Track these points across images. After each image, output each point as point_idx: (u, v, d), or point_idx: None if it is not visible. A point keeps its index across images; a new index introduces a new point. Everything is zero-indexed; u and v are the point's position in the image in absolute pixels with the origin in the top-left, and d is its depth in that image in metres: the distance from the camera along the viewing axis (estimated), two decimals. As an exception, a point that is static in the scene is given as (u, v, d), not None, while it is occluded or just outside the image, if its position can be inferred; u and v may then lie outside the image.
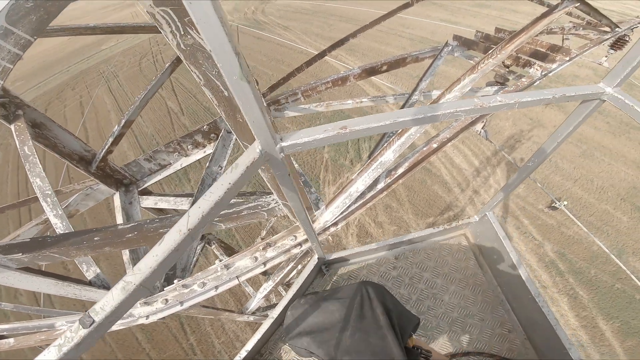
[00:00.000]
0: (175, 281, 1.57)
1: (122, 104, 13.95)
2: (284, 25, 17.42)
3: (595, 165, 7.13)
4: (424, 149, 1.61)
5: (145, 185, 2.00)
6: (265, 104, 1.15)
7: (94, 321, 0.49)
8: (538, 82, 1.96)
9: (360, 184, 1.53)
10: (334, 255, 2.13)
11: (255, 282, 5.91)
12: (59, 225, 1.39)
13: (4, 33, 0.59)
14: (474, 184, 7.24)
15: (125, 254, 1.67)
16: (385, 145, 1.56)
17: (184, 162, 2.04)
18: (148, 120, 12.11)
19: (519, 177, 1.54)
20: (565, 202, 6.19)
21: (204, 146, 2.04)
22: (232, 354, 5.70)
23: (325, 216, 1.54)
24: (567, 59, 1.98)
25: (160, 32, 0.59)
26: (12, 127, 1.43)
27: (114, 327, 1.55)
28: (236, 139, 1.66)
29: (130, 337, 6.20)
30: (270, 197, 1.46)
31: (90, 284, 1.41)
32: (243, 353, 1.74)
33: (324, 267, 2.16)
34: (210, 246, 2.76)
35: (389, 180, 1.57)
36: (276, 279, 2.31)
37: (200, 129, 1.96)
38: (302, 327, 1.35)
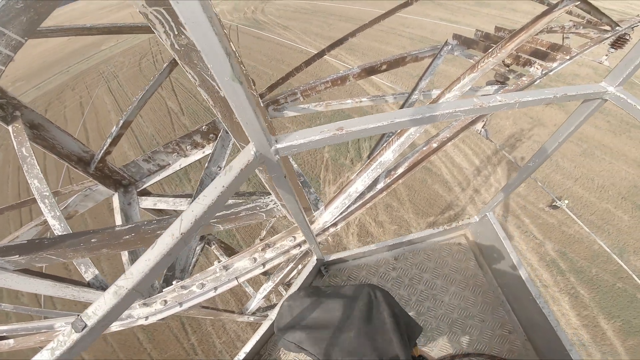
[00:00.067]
0: (174, 282, 1.56)
1: (122, 104, 13.97)
2: (283, 24, 17.41)
3: (596, 164, 7.11)
4: (424, 148, 1.60)
5: (145, 186, 1.99)
6: (262, 105, 1.14)
7: (86, 325, 0.48)
8: (538, 80, 1.94)
9: (359, 184, 1.52)
10: (333, 256, 2.12)
11: (256, 282, 5.91)
12: (57, 227, 1.38)
13: (-4, 34, 0.59)
14: (474, 183, 7.23)
15: (125, 255, 1.66)
16: (384, 145, 1.55)
17: (183, 162, 2.04)
18: (148, 120, 12.11)
19: (520, 177, 1.52)
20: (566, 201, 6.18)
21: (203, 146, 2.03)
22: (233, 354, 5.70)
23: (324, 217, 1.53)
24: (568, 57, 1.97)
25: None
26: (9, 128, 1.43)
27: (114, 328, 1.54)
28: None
29: (131, 337, 6.22)
30: (269, 197, 1.46)
31: (88, 285, 1.41)
32: (242, 355, 1.73)
33: (323, 268, 2.16)
34: (210, 246, 2.75)
35: (389, 181, 1.56)
36: (276, 279, 2.31)
37: (199, 129, 1.96)
38: (298, 321, 1.29)
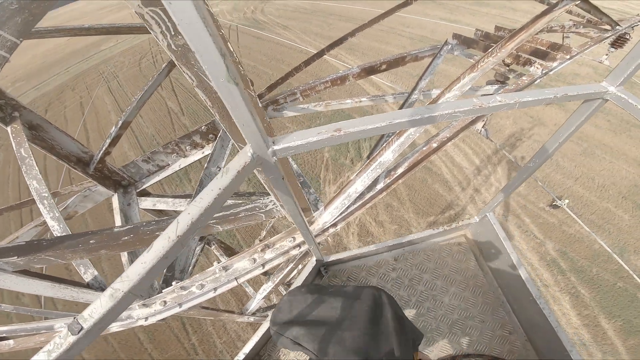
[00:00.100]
0: (173, 283, 1.56)
1: (122, 104, 13.97)
2: (283, 24, 17.40)
3: (596, 163, 7.10)
4: (424, 148, 1.59)
5: (144, 187, 1.99)
6: (260, 105, 1.13)
7: (82, 328, 0.48)
8: (539, 80, 1.94)
9: (359, 185, 1.51)
10: (333, 257, 2.11)
11: (257, 282, 5.91)
12: (56, 228, 1.38)
13: (-8, 35, 0.58)
14: (474, 182, 7.22)
15: (124, 256, 1.66)
16: (384, 145, 1.54)
17: (183, 163, 2.03)
18: (149, 120, 12.12)
19: (520, 177, 1.52)
20: (567, 201, 6.18)
21: (203, 147, 2.03)
22: (234, 354, 5.70)
23: (324, 217, 1.53)
24: (568, 57, 1.97)
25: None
26: (8, 129, 1.43)
27: (113, 329, 1.54)
28: (234, 140, 1.65)
29: (132, 337, 6.22)
30: (268, 198, 1.45)
31: (88, 286, 1.40)
32: (241, 356, 1.73)
33: (323, 268, 2.15)
34: (210, 247, 2.75)
35: (389, 181, 1.56)
36: (276, 279, 2.30)
37: (198, 129, 1.95)
38: (297, 316, 1.24)
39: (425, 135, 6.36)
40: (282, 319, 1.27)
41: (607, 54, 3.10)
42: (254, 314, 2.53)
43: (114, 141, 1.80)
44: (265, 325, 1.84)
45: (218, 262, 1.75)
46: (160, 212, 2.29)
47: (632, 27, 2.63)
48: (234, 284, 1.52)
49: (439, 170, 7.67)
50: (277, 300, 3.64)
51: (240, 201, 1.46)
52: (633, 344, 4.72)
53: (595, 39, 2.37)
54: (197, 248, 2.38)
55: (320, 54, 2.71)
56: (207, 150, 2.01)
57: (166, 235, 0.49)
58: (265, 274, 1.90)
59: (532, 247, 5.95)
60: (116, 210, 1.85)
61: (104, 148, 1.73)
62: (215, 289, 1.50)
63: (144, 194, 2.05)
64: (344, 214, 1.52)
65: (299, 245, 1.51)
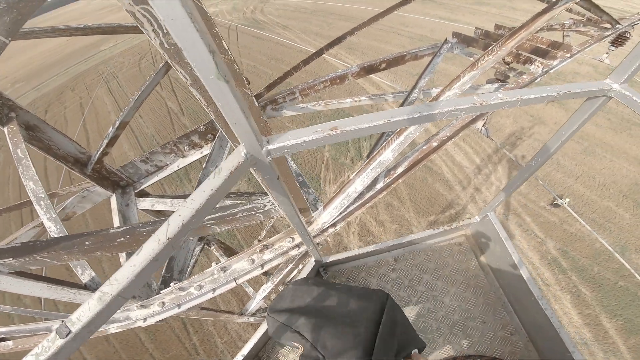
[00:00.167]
0: (171, 284, 1.55)
1: (122, 105, 13.97)
2: (283, 24, 17.38)
3: (597, 162, 7.08)
4: (424, 147, 1.58)
5: (142, 187, 1.98)
6: (257, 104, 1.12)
7: (70, 331, 0.47)
8: (539, 78, 1.92)
9: (358, 184, 1.50)
10: (332, 258, 2.10)
11: (257, 282, 5.90)
12: (53, 229, 1.37)
13: (-20, 35, 0.57)
14: (475, 181, 7.20)
15: (122, 257, 1.65)
16: (383, 144, 1.53)
17: (181, 163, 2.02)
18: (148, 120, 12.11)
19: (521, 176, 1.50)
20: (568, 199, 6.15)
21: (201, 147, 2.02)
22: (235, 354, 5.71)
23: (323, 217, 1.52)
24: (568, 55, 1.95)
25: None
26: (4, 129, 1.42)
27: (112, 330, 1.53)
28: (232, 140, 1.64)
29: (133, 337, 6.22)
30: (267, 198, 1.44)
31: (85, 287, 1.39)
32: (239, 357, 1.72)
33: (322, 269, 2.14)
34: (210, 247, 2.74)
35: (388, 180, 1.54)
36: (275, 280, 2.29)
37: (196, 129, 1.94)
38: (299, 306, 1.24)
39: (425, 134, 6.35)
40: (281, 307, 1.26)
41: (607, 53, 3.08)
42: (253, 314, 2.52)
43: (112, 142, 1.79)
44: (264, 326, 1.83)
45: (217, 263, 1.74)
46: (159, 213, 2.28)
47: (633, 26, 2.62)
48: (233, 284, 1.51)
49: (440, 169, 7.65)
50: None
51: (239, 201, 1.44)
52: (634, 343, 4.70)
53: (596, 38, 2.35)
54: (197, 249, 2.37)
55: (319, 53, 2.70)
56: (206, 150, 2.00)
57: (156, 238, 0.48)
58: (265, 274, 1.89)
59: (533, 246, 5.94)
60: (114, 211, 1.84)
61: (101, 148, 1.72)
62: (214, 290, 1.49)
63: (143, 194, 2.04)
64: (343, 214, 1.50)
65: (298, 246, 1.50)
